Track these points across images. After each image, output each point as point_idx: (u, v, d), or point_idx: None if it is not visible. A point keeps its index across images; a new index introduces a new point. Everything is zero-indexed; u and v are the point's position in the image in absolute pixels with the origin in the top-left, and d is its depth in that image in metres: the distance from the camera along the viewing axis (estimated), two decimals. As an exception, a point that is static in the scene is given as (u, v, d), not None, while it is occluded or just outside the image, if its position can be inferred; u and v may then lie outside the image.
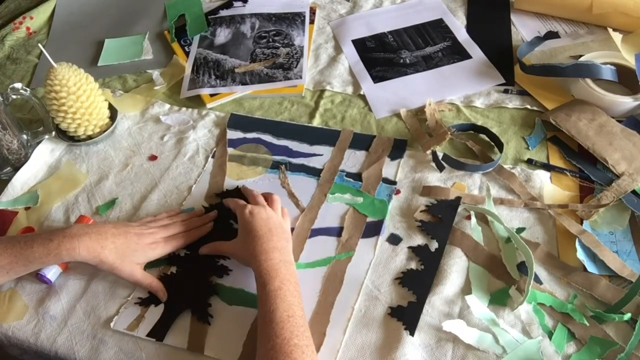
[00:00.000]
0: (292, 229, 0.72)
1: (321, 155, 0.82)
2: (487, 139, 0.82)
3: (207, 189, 0.78)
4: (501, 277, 0.66)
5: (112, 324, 0.65)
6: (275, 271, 0.60)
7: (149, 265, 0.69)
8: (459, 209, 0.72)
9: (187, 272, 0.69)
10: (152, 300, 0.67)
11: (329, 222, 0.73)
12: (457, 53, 0.96)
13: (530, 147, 0.80)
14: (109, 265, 0.64)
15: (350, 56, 0.98)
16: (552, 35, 0.97)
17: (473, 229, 0.70)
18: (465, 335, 0.60)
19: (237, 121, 0.87)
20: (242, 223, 0.67)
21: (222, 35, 1.05)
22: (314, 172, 0.79)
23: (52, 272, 0.68)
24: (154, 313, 0.65)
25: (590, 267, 0.65)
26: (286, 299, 0.58)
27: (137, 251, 0.66)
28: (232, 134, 0.85)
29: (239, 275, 0.68)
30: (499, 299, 0.64)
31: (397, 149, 0.81)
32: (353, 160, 0.80)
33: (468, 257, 0.68)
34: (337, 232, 0.72)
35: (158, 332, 0.64)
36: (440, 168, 0.78)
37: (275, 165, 0.81)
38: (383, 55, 0.97)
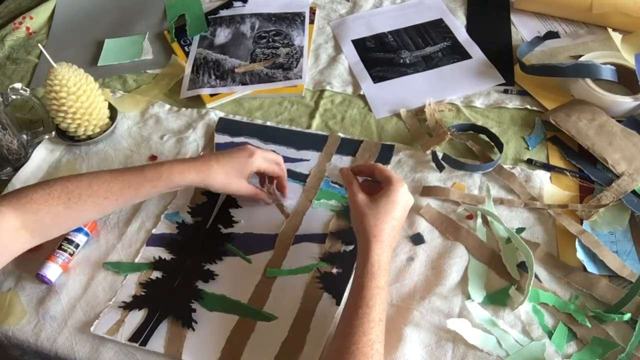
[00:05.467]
0: (276, 235, 0.72)
1: (308, 160, 0.81)
2: (487, 139, 0.82)
3: (192, 192, 0.78)
4: (502, 275, 0.66)
5: (92, 328, 0.64)
6: (385, 269, 0.58)
7: (131, 269, 0.69)
8: (459, 209, 0.72)
9: (173, 277, 0.69)
10: (135, 304, 0.66)
11: (313, 229, 0.72)
12: (457, 53, 0.96)
13: (530, 147, 0.80)
14: (219, 184, 0.67)
15: (350, 56, 0.98)
16: (552, 35, 0.97)
17: (478, 229, 0.70)
18: (469, 335, 0.60)
19: (225, 125, 0.87)
20: (392, 195, 0.61)
21: (222, 35, 1.05)
22: (300, 178, 0.79)
23: (52, 272, 0.68)
24: (135, 318, 0.65)
25: (590, 267, 0.65)
26: (383, 302, 0.56)
27: (240, 164, 0.68)
28: (220, 138, 0.85)
29: (225, 280, 0.68)
30: (499, 299, 0.64)
31: (384, 155, 0.80)
32: (340, 165, 0.79)
33: (471, 253, 0.68)
34: (321, 239, 0.71)
35: (139, 337, 0.63)
36: (440, 168, 0.78)
37: None
38: (383, 55, 0.97)
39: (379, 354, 0.53)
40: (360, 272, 0.58)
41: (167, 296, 0.67)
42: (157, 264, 0.70)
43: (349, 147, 0.82)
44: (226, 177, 0.67)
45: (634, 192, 0.71)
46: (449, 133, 0.79)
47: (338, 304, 0.64)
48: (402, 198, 0.62)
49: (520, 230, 0.70)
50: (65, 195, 0.61)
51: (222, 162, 0.68)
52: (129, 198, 0.65)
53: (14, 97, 0.80)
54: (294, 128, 0.86)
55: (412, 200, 0.64)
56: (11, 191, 0.61)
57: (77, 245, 0.71)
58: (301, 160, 0.81)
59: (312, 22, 1.06)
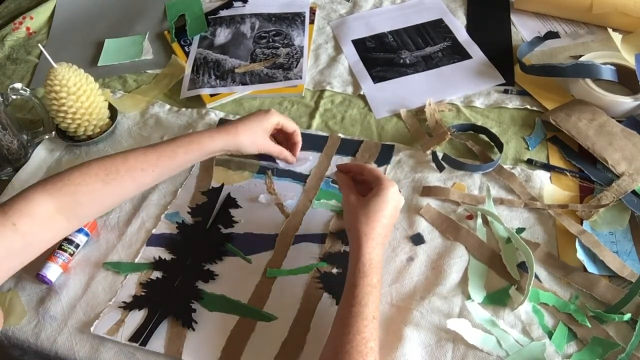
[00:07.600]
0: (276, 235, 0.72)
1: (308, 160, 0.81)
2: (487, 139, 0.82)
3: (192, 192, 0.78)
4: (502, 275, 0.66)
5: (92, 328, 0.64)
6: (377, 267, 0.58)
7: (131, 269, 0.70)
8: (459, 209, 0.72)
9: (173, 277, 0.69)
10: (135, 304, 0.66)
11: (313, 229, 0.72)
12: (457, 53, 0.96)
13: (530, 147, 0.80)
14: (249, 141, 0.71)
15: (350, 56, 0.98)
16: (552, 35, 0.97)
17: (478, 229, 0.70)
18: (469, 335, 0.60)
19: None
20: (383, 194, 0.62)
21: (222, 35, 1.05)
22: (300, 178, 0.79)
23: (52, 272, 0.68)
24: (135, 318, 0.65)
25: (590, 267, 0.65)
26: (376, 299, 0.57)
27: (261, 119, 0.73)
28: None
29: (225, 280, 0.68)
30: (499, 299, 0.64)
31: (384, 155, 0.80)
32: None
33: (471, 253, 0.68)
34: (321, 239, 0.71)
35: (139, 337, 0.63)
36: (440, 168, 0.78)
37: (262, 170, 0.80)
38: (383, 55, 0.97)
39: (373, 351, 0.53)
40: (352, 270, 0.58)
41: (167, 296, 0.67)
42: (157, 264, 0.70)
43: (349, 147, 0.82)
44: (253, 134, 0.72)
45: (634, 192, 0.71)
46: (449, 133, 0.79)
47: (338, 304, 0.64)
48: (392, 197, 0.62)
49: (520, 230, 0.70)
50: (102, 171, 0.62)
51: (246, 122, 0.72)
52: (165, 167, 0.66)
53: (14, 97, 0.80)
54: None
55: (403, 201, 0.65)
56: (45, 178, 0.61)
57: (77, 245, 0.71)
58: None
59: (312, 22, 1.06)
